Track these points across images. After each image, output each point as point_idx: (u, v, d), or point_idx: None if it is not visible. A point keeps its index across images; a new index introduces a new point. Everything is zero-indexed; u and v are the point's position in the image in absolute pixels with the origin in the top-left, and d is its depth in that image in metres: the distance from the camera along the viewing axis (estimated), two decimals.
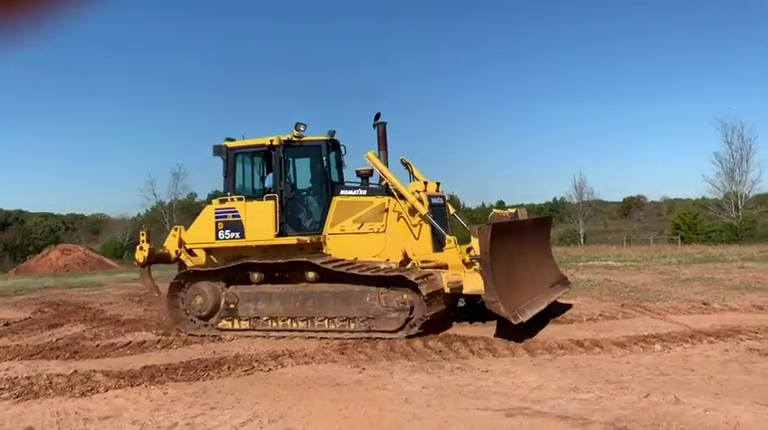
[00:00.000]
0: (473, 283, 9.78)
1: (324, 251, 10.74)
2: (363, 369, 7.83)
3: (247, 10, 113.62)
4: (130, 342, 10.26)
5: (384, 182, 10.95)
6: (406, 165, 11.98)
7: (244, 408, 6.40)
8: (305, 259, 10.09)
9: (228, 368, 8.09)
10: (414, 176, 11.77)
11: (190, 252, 11.69)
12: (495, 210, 10.95)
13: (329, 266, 9.83)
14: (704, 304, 11.62)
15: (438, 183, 11.68)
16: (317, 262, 9.93)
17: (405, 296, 9.57)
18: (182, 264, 11.89)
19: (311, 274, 10.04)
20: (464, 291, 10.04)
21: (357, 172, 11.29)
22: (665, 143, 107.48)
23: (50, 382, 7.61)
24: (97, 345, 10.12)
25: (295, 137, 10.82)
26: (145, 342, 10.19)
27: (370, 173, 11.17)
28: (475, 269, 9.79)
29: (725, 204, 41.86)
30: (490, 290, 8.89)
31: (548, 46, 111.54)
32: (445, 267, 10.08)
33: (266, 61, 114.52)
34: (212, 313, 10.55)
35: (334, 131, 11.30)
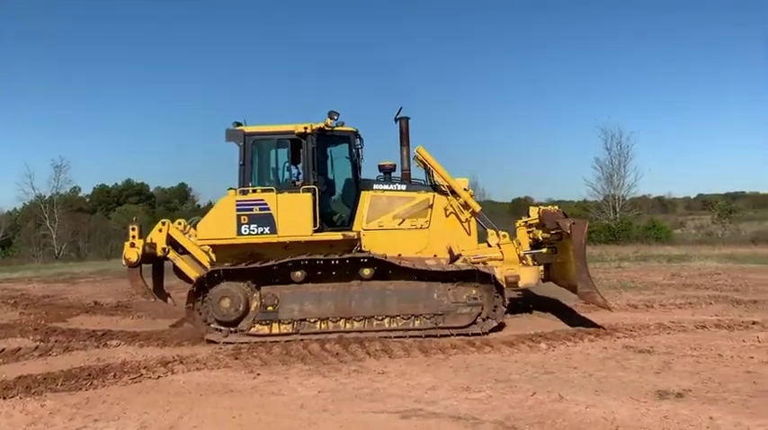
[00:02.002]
0: (528, 277, 10.33)
1: (361, 247, 10.23)
2: (258, 374, 7.69)
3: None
4: (3, 349, 9.53)
5: (437, 177, 10.72)
6: (422, 163, 11.39)
7: (131, 419, 6.13)
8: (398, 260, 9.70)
9: (114, 376, 7.71)
10: (430, 175, 11.23)
11: (177, 248, 10.76)
12: (541, 207, 11.07)
13: (420, 267, 9.59)
14: (585, 303, 12.29)
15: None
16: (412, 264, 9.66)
17: (474, 291, 9.59)
18: (157, 263, 11.01)
19: (367, 271, 9.67)
20: (519, 285, 10.35)
21: (380, 166, 10.96)
22: (550, 148, 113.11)
23: None
24: None
25: (327, 126, 10.15)
26: (20, 349, 9.50)
27: (393, 167, 10.91)
28: (524, 263, 10.42)
29: (604, 207, 44.51)
30: (585, 281, 9.53)
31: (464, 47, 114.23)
32: (496, 262, 10.29)
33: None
34: (241, 318, 9.69)
35: (342, 123, 10.63)
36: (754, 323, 9.87)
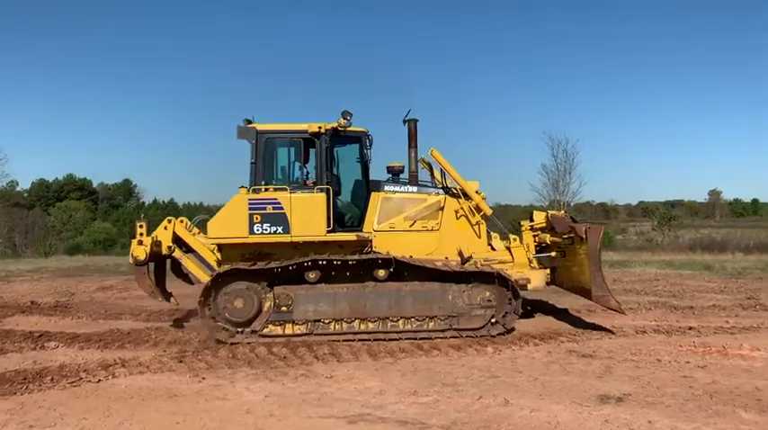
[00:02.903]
0: (536, 281, 10.60)
1: (372, 248, 10.14)
2: (203, 378, 7.54)
3: None
4: None
5: (449, 180, 10.83)
6: (427, 165, 11.59)
7: (69, 425, 5.93)
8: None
9: (52, 380, 7.43)
10: (434, 177, 11.45)
11: (181, 247, 10.55)
12: (550, 212, 11.20)
13: (457, 269, 9.78)
14: (529, 307, 12.52)
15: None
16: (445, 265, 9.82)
17: (487, 293, 9.75)
18: (158, 261, 10.68)
19: (382, 272, 9.68)
20: (528, 288, 10.46)
21: (388, 168, 10.92)
22: (499, 154, 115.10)
23: None
24: None
25: (341, 126, 10.07)
26: None
27: (402, 169, 10.91)
28: (532, 267, 10.66)
29: None
30: (600, 285, 9.85)
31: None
32: (506, 265, 10.46)
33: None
34: (253, 318, 9.55)
35: (351, 124, 10.50)
36: (690, 328, 10.24)
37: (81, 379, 7.50)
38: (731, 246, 33.98)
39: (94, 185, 71.54)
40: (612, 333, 9.98)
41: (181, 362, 8.32)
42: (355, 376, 7.57)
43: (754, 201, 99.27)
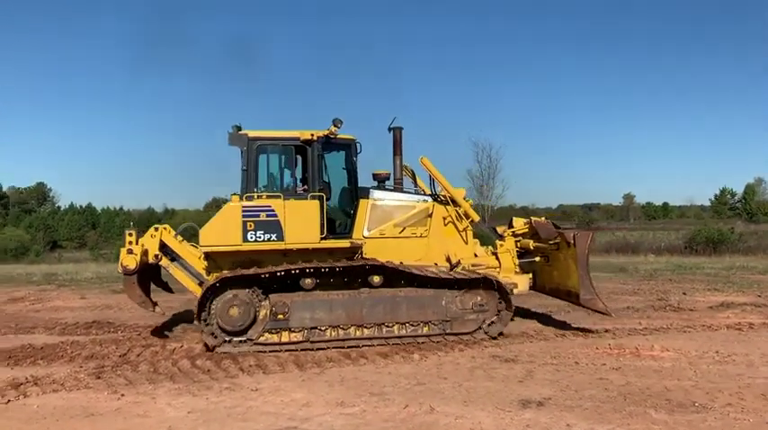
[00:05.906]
0: (522, 285, 10.86)
1: (362, 255, 10.18)
2: (122, 395, 7.28)
3: None
4: None
5: (440, 189, 11.06)
6: (410, 172, 11.69)
7: None
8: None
9: None
10: (416, 184, 11.60)
11: (171, 256, 10.37)
12: (533, 218, 11.60)
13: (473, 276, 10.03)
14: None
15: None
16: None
17: (479, 298, 9.99)
18: (146, 270, 10.33)
19: (377, 279, 9.80)
20: (515, 292, 10.47)
21: (374, 175, 10.97)
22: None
23: None
24: None
25: (332, 133, 10.03)
26: None
27: (388, 176, 11.00)
28: (516, 272, 10.94)
29: None
30: (588, 288, 10.25)
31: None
32: (494, 270, 10.72)
33: None
34: (249, 327, 9.39)
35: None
36: (606, 330, 10.69)
37: None
38: (644, 247, 35.76)
39: (5, 189, 68.05)
40: (533, 336, 10.30)
41: (98, 378, 8.00)
42: (282, 388, 7.50)
43: (665, 205, 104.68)
